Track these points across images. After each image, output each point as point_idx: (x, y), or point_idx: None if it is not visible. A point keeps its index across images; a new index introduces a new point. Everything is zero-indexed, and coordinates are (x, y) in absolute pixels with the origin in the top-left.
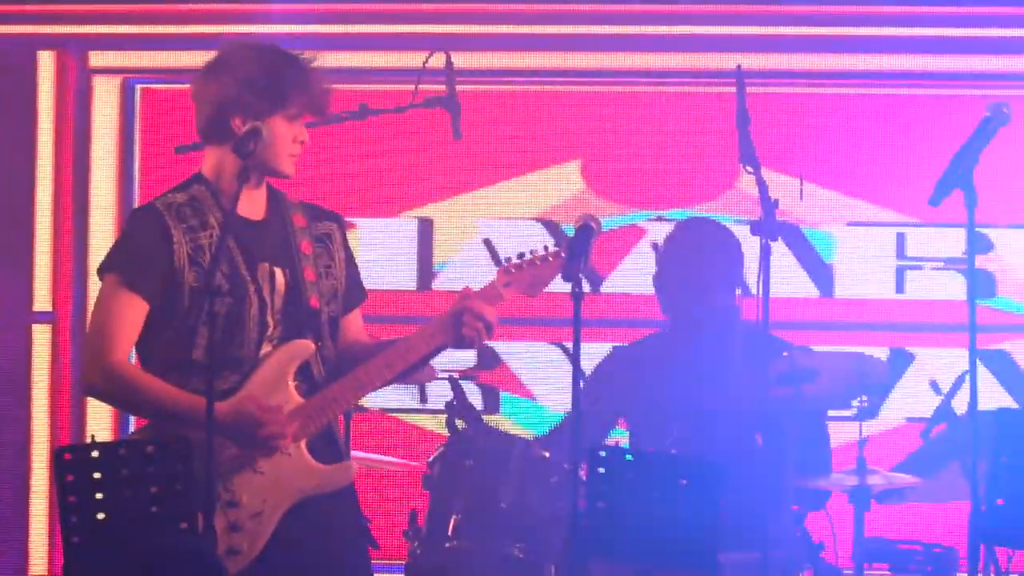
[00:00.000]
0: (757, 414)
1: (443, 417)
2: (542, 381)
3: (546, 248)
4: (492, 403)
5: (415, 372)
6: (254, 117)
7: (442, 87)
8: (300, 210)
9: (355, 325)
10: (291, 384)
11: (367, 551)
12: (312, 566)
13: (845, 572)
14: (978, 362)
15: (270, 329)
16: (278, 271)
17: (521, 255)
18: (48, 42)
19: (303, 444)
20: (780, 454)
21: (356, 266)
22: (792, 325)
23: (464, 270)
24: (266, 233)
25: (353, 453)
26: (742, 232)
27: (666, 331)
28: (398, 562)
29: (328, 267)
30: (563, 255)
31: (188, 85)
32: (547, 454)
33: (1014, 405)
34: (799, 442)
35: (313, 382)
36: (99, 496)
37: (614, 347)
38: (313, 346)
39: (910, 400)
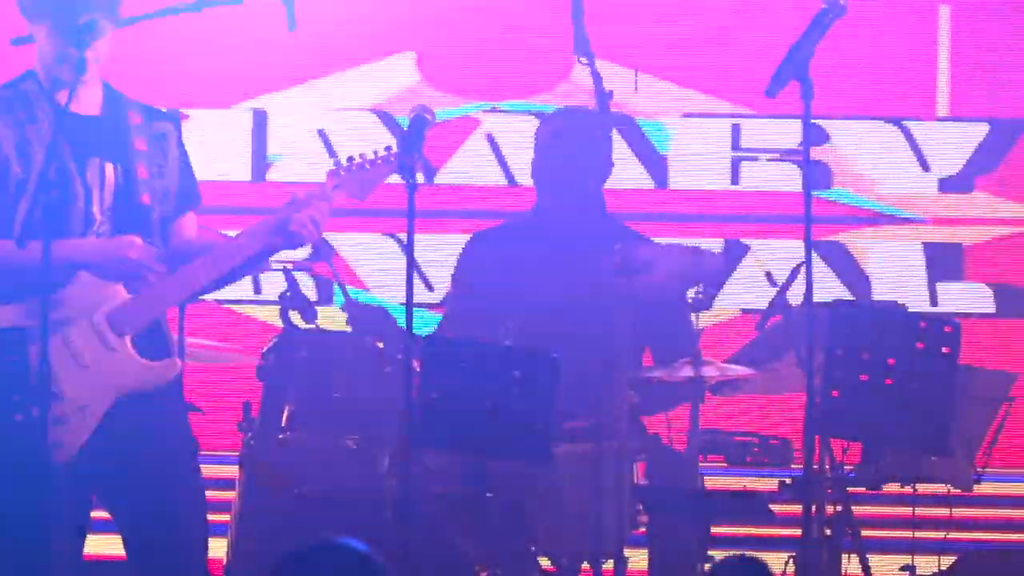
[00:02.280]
0: (596, 305)
1: (277, 308)
2: (376, 272)
3: (375, 152)
4: (326, 295)
5: (247, 270)
6: None
7: None
8: (137, 109)
9: (189, 228)
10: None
11: (192, 446)
12: (135, 461)
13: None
14: (813, 253)
15: (96, 223)
16: (109, 167)
17: (351, 158)
18: None
19: (128, 340)
20: (616, 345)
21: (191, 169)
22: (627, 216)
23: (298, 161)
24: (99, 129)
25: (188, 341)
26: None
27: (531, 217)
28: (232, 453)
29: (161, 167)
30: (393, 159)
31: None
32: (380, 345)
33: (849, 297)
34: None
35: None
36: None
37: (475, 234)
38: (140, 242)
39: (745, 291)
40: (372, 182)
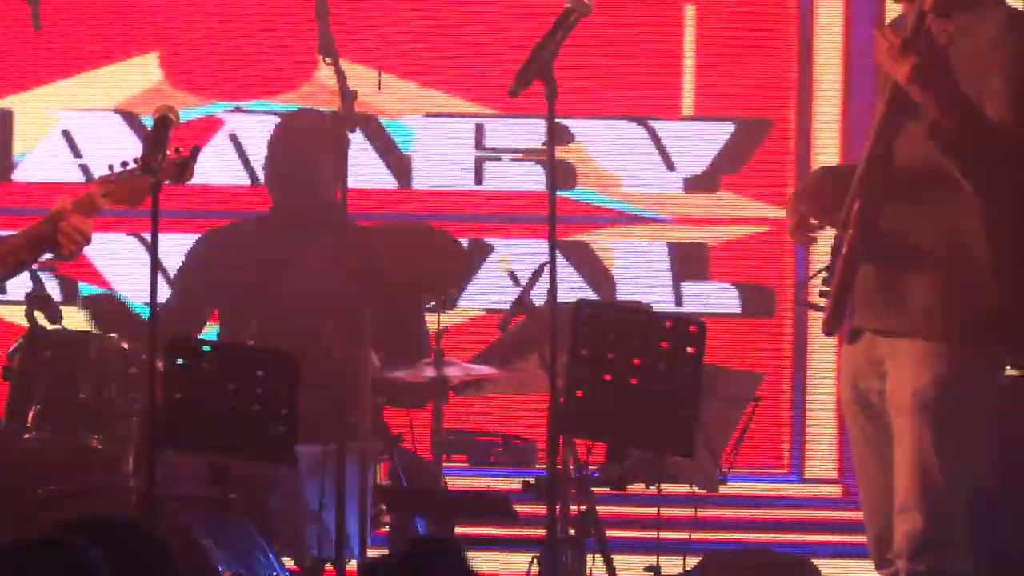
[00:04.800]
0: (338, 305)
1: (22, 308)
2: (120, 272)
3: (136, 160)
4: (70, 294)
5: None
6: None
7: None
8: None
9: None
10: None
11: None
12: None
13: (423, 462)
14: (557, 253)
15: None
16: None
17: (125, 163)
18: None
19: None
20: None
21: None
22: (370, 216)
23: (43, 161)
24: None
25: None
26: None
27: (265, 217)
28: None
29: None
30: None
31: None
32: (126, 345)
33: (593, 297)
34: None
35: None
36: None
37: (209, 231)
38: None
39: (489, 291)
40: (141, 189)
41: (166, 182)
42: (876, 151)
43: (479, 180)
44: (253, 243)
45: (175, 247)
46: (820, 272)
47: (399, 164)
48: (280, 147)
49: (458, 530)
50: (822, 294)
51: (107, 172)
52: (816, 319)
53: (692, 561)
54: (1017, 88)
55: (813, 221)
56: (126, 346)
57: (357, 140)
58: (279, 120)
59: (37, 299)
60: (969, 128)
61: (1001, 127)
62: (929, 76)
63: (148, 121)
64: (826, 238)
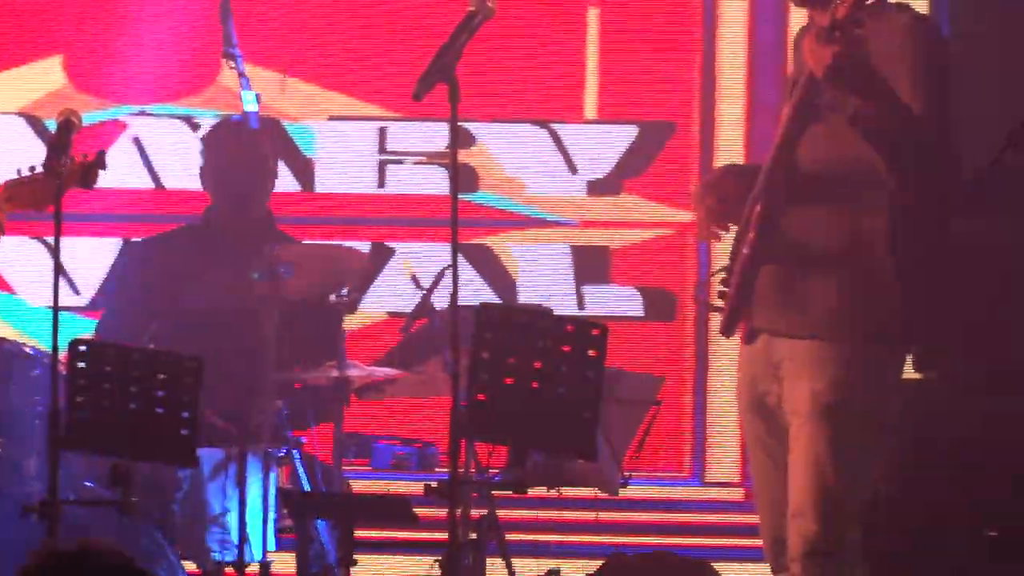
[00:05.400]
0: (242, 308)
1: None
2: (24, 276)
3: (32, 168)
4: None
5: None
6: None
7: None
8: None
9: None
10: None
11: None
12: None
13: (325, 466)
14: (460, 256)
15: None
16: None
17: (33, 167)
18: None
19: None
20: (261, 348)
21: None
22: (274, 219)
23: None
24: None
25: None
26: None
27: (195, 223)
28: None
29: None
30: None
31: None
32: (29, 350)
33: (496, 300)
34: (307, 334)
35: None
36: None
37: (139, 240)
38: None
39: (391, 294)
40: (45, 194)
41: (71, 186)
42: (780, 154)
43: (382, 183)
44: (179, 247)
45: (79, 251)
46: (719, 272)
47: (302, 167)
48: (217, 153)
49: (359, 533)
50: (720, 295)
51: (14, 176)
52: (717, 321)
53: (593, 565)
54: (925, 80)
55: (714, 216)
56: (29, 350)
57: None
58: (217, 125)
59: None
60: (891, 113)
61: (916, 115)
62: (850, 65)
63: (52, 125)
64: (728, 238)
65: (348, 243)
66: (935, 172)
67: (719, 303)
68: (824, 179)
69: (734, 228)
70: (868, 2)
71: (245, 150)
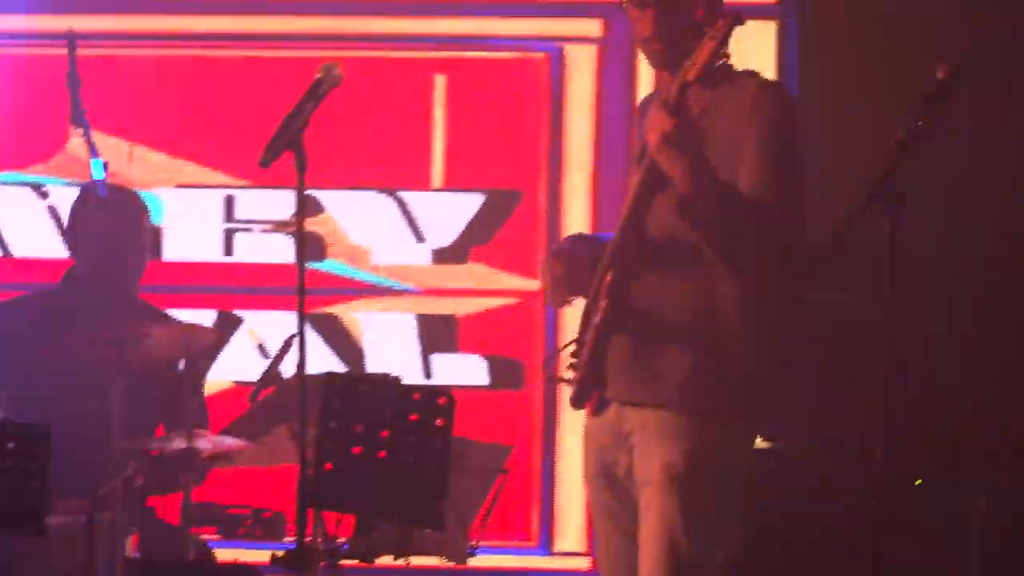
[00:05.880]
0: (91, 376)
1: None
2: None
3: None
4: None
5: None
6: None
7: None
8: None
9: None
10: None
11: None
12: None
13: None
14: (307, 325)
15: None
16: None
17: None
18: None
19: None
20: (110, 417)
21: None
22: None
23: None
24: None
25: None
26: (71, 194)
27: (49, 290)
28: None
29: None
30: None
31: None
32: None
33: (343, 369)
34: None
35: None
36: None
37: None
38: None
39: (238, 363)
40: None
41: None
42: (630, 222)
43: (229, 251)
44: (34, 313)
45: None
46: (569, 344)
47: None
48: (87, 219)
49: None
50: (571, 366)
51: None
52: (566, 391)
53: None
54: (770, 154)
55: (564, 285)
56: None
57: None
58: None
59: None
60: (716, 202)
61: (750, 200)
62: (678, 145)
63: None
64: (577, 306)
65: (195, 312)
66: (772, 256)
67: (569, 374)
68: (674, 247)
69: (583, 299)
70: (718, 63)
71: (121, 217)
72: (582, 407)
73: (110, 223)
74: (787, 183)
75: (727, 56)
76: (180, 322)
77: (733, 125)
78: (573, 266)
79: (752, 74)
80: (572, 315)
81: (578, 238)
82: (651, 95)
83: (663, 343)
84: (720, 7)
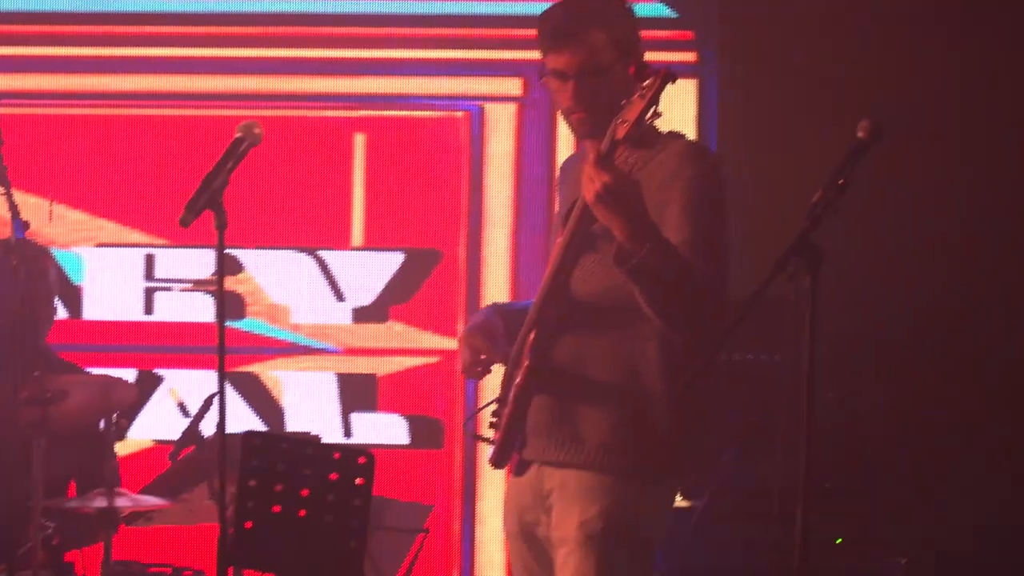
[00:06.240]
0: (9, 434)
1: None
2: None
3: None
4: None
5: None
6: None
7: None
8: None
9: None
10: None
11: None
12: None
13: None
14: (227, 384)
15: None
16: None
17: None
18: None
19: None
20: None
21: None
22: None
23: None
24: None
25: None
26: None
27: None
28: None
29: None
30: None
31: None
32: None
33: (263, 427)
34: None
35: None
36: None
37: None
38: None
39: (159, 422)
40: None
41: None
42: (554, 281)
43: (149, 310)
44: None
45: None
46: (490, 404)
47: (70, 294)
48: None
49: None
50: (492, 426)
51: None
52: (486, 450)
53: None
54: (695, 216)
55: (483, 356)
56: None
57: None
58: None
59: None
60: (655, 255)
61: (682, 258)
62: (618, 197)
63: None
64: (498, 371)
65: (116, 371)
66: (703, 312)
67: (490, 434)
68: (597, 308)
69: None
70: (649, 121)
71: (28, 273)
72: (502, 467)
73: (16, 279)
74: (712, 244)
75: (658, 114)
76: (100, 377)
77: (658, 185)
78: (491, 337)
79: (677, 135)
80: (492, 375)
81: (494, 309)
82: (571, 158)
83: (584, 404)
84: (650, 65)
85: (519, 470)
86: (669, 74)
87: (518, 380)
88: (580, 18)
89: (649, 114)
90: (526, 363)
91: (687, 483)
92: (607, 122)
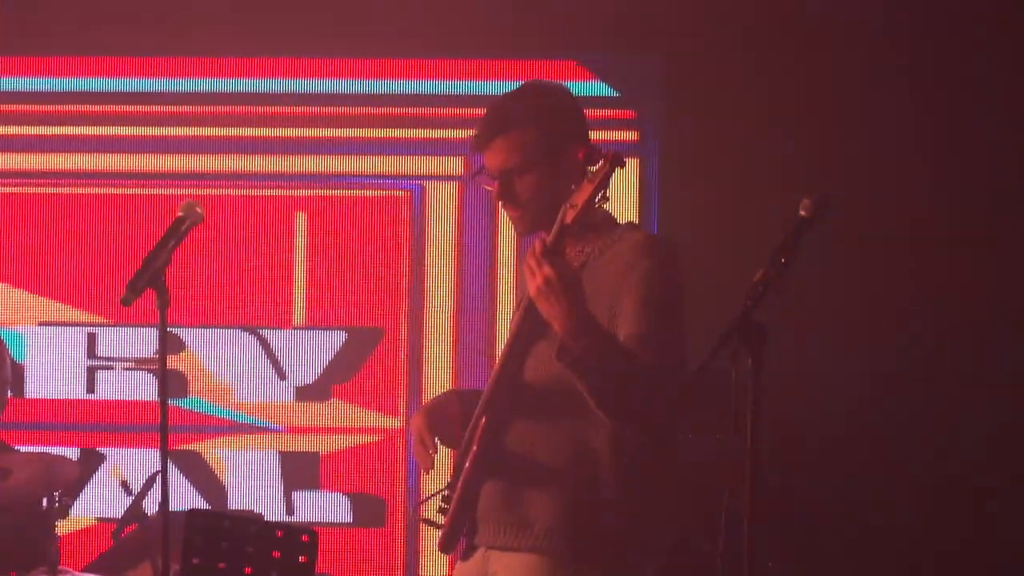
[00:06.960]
0: None
1: None
2: None
3: None
4: None
5: None
6: None
7: None
8: None
9: None
10: None
11: None
12: None
13: None
14: (169, 462)
15: None
16: None
17: None
18: None
19: None
20: None
21: None
22: None
23: None
24: None
25: None
26: None
27: None
28: None
29: None
30: None
31: None
32: None
33: (205, 506)
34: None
35: None
36: None
37: None
38: None
39: (101, 500)
40: None
41: None
42: (506, 369)
43: (91, 389)
44: None
45: None
46: (442, 491)
47: (12, 373)
48: None
49: None
50: (441, 510)
51: None
52: (428, 529)
53: None
54: (647, 311)
55: (436, 441)
56: None
57: None
58: None
59: None
60: (596, 349)
61: (629, 351)
62: (559, 292)
63: None
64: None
65: (58, 449)
66: (648, 406)
67: (440, 519)
68: (548, 395)
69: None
70: (597, 206)
71: None
72: (451, 552)
73: None
74: (663, 339)
75: (606, 199)
76: (42, 455)
77: (614, 276)
78: (444, 423)
79: (634, 227)
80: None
81: (450, 394)
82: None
83: (533, 489)
84: (599, 148)
85: (466, 555)
86: (618, 157)
87: (467, 465)
88: (507, 117)
89: (598, 198)
90: (475, 449)
91: (632, 567)
92: (548, 216)
